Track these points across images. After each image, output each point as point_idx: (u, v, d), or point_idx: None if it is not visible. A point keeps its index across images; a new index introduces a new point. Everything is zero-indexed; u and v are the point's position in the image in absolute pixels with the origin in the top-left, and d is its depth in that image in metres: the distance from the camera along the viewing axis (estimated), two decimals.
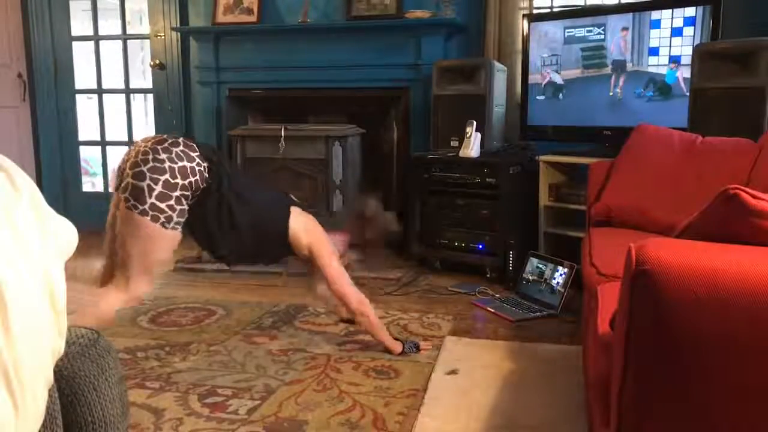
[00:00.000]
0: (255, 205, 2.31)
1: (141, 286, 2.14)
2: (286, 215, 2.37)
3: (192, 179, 2.11)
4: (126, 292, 2.12)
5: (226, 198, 2.21)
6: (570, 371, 2.24)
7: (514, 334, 2.65)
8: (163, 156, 2.08)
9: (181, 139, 2.16)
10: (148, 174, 2.05)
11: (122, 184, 2.08)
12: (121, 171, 2.14)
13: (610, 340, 1.22)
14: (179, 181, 2.08)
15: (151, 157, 2.07)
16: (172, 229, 2.10)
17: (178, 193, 2.09)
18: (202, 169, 2.14)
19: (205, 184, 2.16)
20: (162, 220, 2.07)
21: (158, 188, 2.05)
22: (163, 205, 2.06)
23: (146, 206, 2.04)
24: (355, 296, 2.38)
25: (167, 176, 2.06)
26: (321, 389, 2.14)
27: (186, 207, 2.13)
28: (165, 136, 2.17)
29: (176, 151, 2.10)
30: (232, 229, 2.25)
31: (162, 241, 2.11)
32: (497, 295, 3.14)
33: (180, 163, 2.09)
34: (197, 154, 2.14)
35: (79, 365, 1.07)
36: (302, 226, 2.38)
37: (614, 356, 1.15)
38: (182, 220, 2.13)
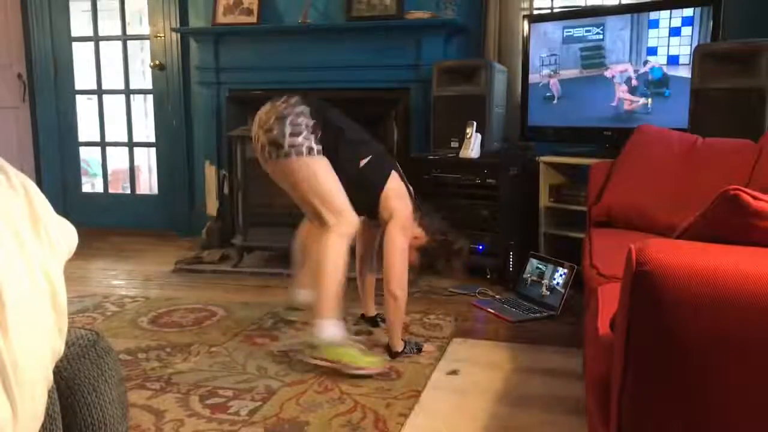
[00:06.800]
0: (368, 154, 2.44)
1: (346, 217, 2.31)
2: (388, 173, 2.45)
3: (311, 122, 2.31)
4: (339, 227, 2.29)
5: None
6: (570, 372, 2.24)
7: (514, 335, 2.65)
8: (282, 110, 2.31)
9: (295, 98, 2.37)
10: (275, 127, 2.28)
11: (264, 152, 2.33)
12: (260, 146, 2.35)
13: (611, 341, 1.22)
14: (303, 120, 2.30)
15: (273, 116, 2.31)
16: (318, 154, 2.29)
17: (305, 131, 2.28)
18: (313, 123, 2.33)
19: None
20: (304, 151, 2.27)
21: (288, 130, 2.27)
22: (299, 139, 2.27)
23: (286, 148, 2.26)
24: (401, 279, 2.37)
25: (291, 118, 2.29)
26: (322, 390, 2.15)
27: (318, 139, 2.31)
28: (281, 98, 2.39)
29: (292, 105, 2.33)
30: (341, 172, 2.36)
31: (318, 167, 2.30)
32: (497, 296, 3.14)
33: (297, 109, 2.32)
34: (308, 110, 2.34)
35: (79, 366, 1.07)
36: (397, 190, 2.45)
37: (614, 357, 1.15)
38: (321, 147, 2.30)
